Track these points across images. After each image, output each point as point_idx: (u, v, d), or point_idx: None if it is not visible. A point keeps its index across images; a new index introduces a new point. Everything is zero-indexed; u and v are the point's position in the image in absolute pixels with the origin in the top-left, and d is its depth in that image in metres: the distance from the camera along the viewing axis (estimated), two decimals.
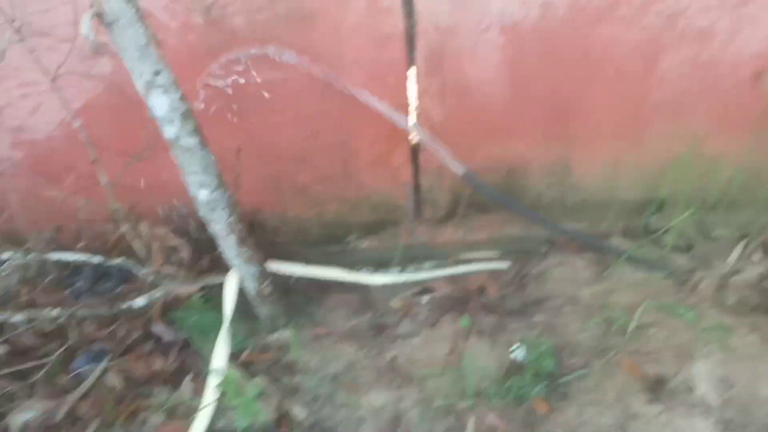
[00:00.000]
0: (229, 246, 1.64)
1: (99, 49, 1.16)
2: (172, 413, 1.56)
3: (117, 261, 1.69)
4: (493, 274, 2.07)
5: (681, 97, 1.77)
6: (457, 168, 1.77)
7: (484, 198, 2.04)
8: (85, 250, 1.70)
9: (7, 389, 1.55)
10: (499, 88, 1.75)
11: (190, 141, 1.39)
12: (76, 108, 1.57)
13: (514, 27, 1.61)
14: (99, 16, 1.16)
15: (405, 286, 2.02)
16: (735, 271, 1.93)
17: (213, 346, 1.64)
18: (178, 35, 1.55)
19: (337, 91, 1.68)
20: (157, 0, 1.50)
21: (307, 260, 1.98)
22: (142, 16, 1.19)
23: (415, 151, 1.92)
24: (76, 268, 1.71)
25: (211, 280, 1.77)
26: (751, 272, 1.91)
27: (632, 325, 1.74)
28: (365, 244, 2.14)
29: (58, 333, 1.64)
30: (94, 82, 1.64)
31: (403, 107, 1.76)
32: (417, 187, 2.02)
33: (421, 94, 1.75)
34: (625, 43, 1.65)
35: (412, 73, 1.71)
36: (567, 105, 1.80)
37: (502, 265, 2.09)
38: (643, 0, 1.55)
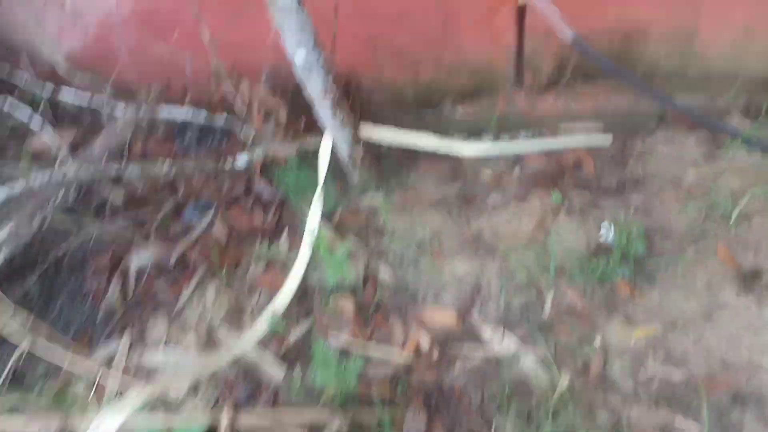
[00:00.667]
0: (324, 108, 1.65)
1: None
2: (270, 264, 1.70)
3: (220, 118, 1.75)
4: (594, 149, 1.97)
5: None
6: (566, 32, 1.63)
7: (593, 65, 1.89)
8: (191, 105, 1.76)
9: (126, 234, 1.71)
10: None
11: (287, 0, 1.36)
12: None
13: None
14: None
15: (499, 156, 1.97)
16: None
17: (308, 204, 1.72)
18: None
19: None
20: None
21: (401, 125, 1.96)
22: None
23: (522, 12, 1.77)
24: (183, 123, 1.79)
25: (307, 142, 1.80)
26: None
27: (735, 212, 1.64)
28: (460, 111, 2.08)
29: (169, 185, 1.77)
30: None
31: None
32: (520, 52, 1.89)
33: None
34: None
35: None
36: None
37: (605, 140, 1.98)
38: None
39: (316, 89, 1.60)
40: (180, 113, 1.72)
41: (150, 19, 1.79)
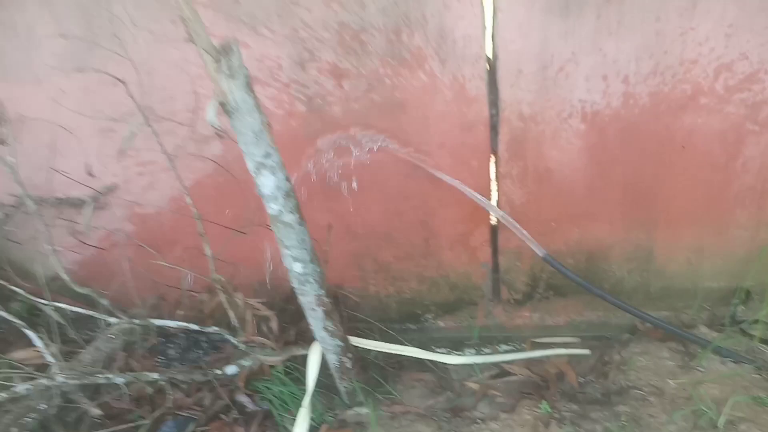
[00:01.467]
0: (316, 318, 1.70)
1: (221, 134, 1.30)
2: None
3: (211, 329, 1.78)
4: (572, 359, 2.03)
5: (765, 184, 1.77)
6: (538, 250, 1.80)
7: (562, 281, 2.05)
8: (184, 317, 1.80)
9: None
10: (580, 173, 1.80)
11: (291, 217, 1.50)
12: (187, 185, 1.72)
13: (595, 115, 1.68)
14: (222, 105, 1.30)
15: (481, 367, 2.00)
16: None
17: (293, 417, 1.66)
18: (282, 122, 1.70)
19: (423, 173, 1.78)
20: (266, 90, 1.66)
21: (386, 336, 2.01)
22: (259, 105, 1.33)
23: (495, 232, 1.97)
24: (170, 335, 1.80)
25: (296, 351, 1.82)
26: None
27: (722, 420, 1.66)
28: (442, 323, 2.17)
29: (153, 397, 1.72)
30: (204, 163, 1.80)
31: (485, 190, 1.84)
32: (495, 268, 2.05)
33: (503, 177, 1.82)
34: (708, 131, 1.68)
35: (494, 157, 1.79)
36: (649, 191, 1.82)
37: (583, 351, 2.05)
38: (725, 89, 1.60)
39: (310, 299, 1.67)
40: (172, 324, 1.75)
41: (152, 236, 1.91)
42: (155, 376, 1.64)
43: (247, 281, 1.98)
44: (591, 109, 1.67)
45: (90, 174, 1.76)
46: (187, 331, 1.80)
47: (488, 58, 1.61)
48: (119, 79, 1.52)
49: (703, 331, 2.02)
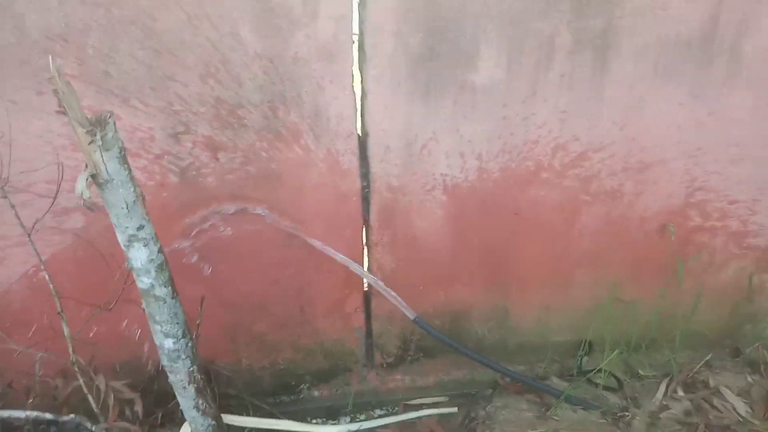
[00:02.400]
0: (187, 397, 1.62)
1: (90, 206, 1.25)
2: None
3: (67, 417, 1.62)
4: (442, 419, 2.12)
5: (598, 248, 2.04)
6: (409, 312, 1.89)
7: (431, 343, 2.16)
8: (35, 407, 1.62)
9: None
10: (443, 240, 1.95)
11: (163, 291, 1.45)
12: (43, 260, 1.60)
13: (455, 187, 1.85)
14: (93, 177, 1.26)
15: None
16: (663, 407, 2.09)
17: None
18: (154, 193, 1.66)
19: (298, 242, 1.81)
20: (136, 161, 1.62)
21: (260, 411, 1.96)
22: (133, 176, 1.30)
23: (368, 298, 2.04)
24: (18, 428, 1.61)
25: None
26: (677, 408, 2.08)
27: None
28: (317, 392, 2.16)
29: None
30: (62, 236, 1.69)
31: (358, 257, 1.91)
32: (369, 333, 2.11)
33: (374, 245, 1.91)
34: (549, 201, 1.91)
35: (366, 226, 1.89)
36: (502, 255, 2.02)
37: (451, 409, 2.16)
38: (561, 166, 1.85)
39: (181, 377, 1.59)
40: (20, 415, 1.56)
41: (1, 316, 1.73)
42: None
43: (108, 362, 1.84)
44: (451, 182, 1.84)
45: None
46: (39, 422, 1.61)
47: (359, 135, 1.72)
48: None
49: (556, 381, 2.22)
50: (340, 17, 1.53)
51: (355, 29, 1.58)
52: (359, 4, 1.55)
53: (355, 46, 1.60)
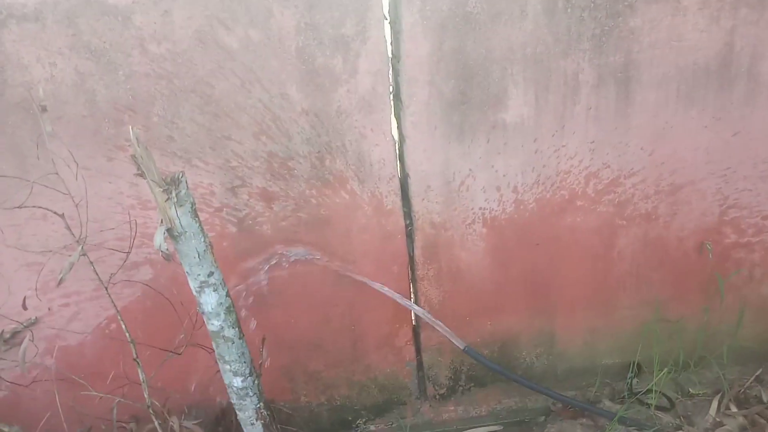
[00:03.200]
0: None
1: (168, 257, 1.39)
2: None
3: None
4: None
5: (639, 269, 2.09)
6: (459, 342, 1.97)
7: (481, 372, 2.22)
8: None
9: None
10: (486, 271, 2.03)
11: (232, 332, 1.57)
12: (114, 313, 1.73)
13: (493, 220, 1.95)
14: (169, 231, 1.40)
15: None
16: (717, 424, 2.10)
17: None
18: (214, 242, 1.79)
19: (348, 281, 1.92)
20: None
21: None
22: (203, 228, 1.44)
23: (417, 331, 2.13)
24: None
25: None
26: (732, 425, 2.08)
27: None
28: (373, 426, 2.23)
29: None
30: (133, 289, 1.83)
31: (406, 292, 2.01)
32: (420, 366, 2.18)
33: (421, 279, 2.01)
34: (586, 227, 1.99)
35: (412, 261, 1.99)
36: (544, 282, 2.09)
37: None
38: (595, 192, 1.93)
39: (249, 413, 1.70)
40: None
41: (75, 368, 1.87)
42: None
43: (177, 405, 1.96)
44: (490, 215, 1.94)
45: (24, 307, 1.72)
46: None
47: (400, 177, 1.84)
48: (57, 213, 1.57)
49: (607, 404, 2.24)
50: (377, 72, 1.67)
51: (391, 80, 1.72)
52: (393, 59, 1.69)
53: (392, 96, 1.74)
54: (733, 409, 2.15)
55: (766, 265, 2.12)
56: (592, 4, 1.66)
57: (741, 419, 2.10)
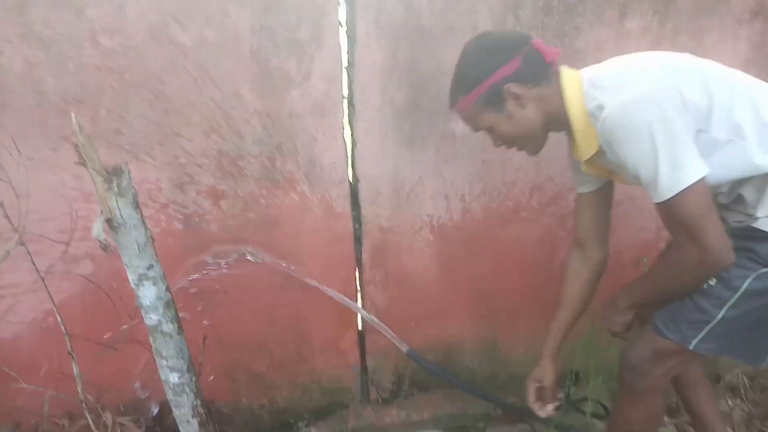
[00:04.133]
0: (191, 431, 1.71)
1: (106, 248, 1.37)
2: None
3: None
4: None
5: None
6: (402, 346, 2.00)
7: (424, 377, 2.25)
8: None
9: None
10: (432, 277, 2.07)
11: (170, 327, 1.56)
12: (51, 307, 1.70)
13: (441, 227, 1.99)
14: (109, 221, 1.39)
15: None
16: None
17: None
18: (159, 239, 1.78)
19: (295, 283, 1.93)
20: (144, 210, 1.74)
21: None
22: (144, 220, 1.43)
23: (363, 335, 2.15)
24: None
25: None
26: None
27: None
28: (315, 429, 2.23)
29: None
30: (72, 283, 1.80)
31: (353, 295, 2.03)
32: (364, 369, 2.20)
33: (368, 284, 2.03)
34: (529, 237, 2.05)
35: (359, 265, 2.01)
36: (488, 289, 2.14)
37: None
38: (539, 205, 2.00)
39: (185, 410, 1.68)
40: None
41: (8, 362, 1.82)
42: None
43: (112, 402, 1.92)
44: (437, 222, 1.98)
45: None
46: None
47: (351, 182, 1.87)
48: None
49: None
50: (331, 77, 1.70)
51: (345, 87, 1.75)
52: (348, 66, 1.72)
53: (345, 102, 1.76)
54: (666, 418, 2.24)
55: None
56: (540, 24, 1.73)
57: (672, 428, 2.18)
